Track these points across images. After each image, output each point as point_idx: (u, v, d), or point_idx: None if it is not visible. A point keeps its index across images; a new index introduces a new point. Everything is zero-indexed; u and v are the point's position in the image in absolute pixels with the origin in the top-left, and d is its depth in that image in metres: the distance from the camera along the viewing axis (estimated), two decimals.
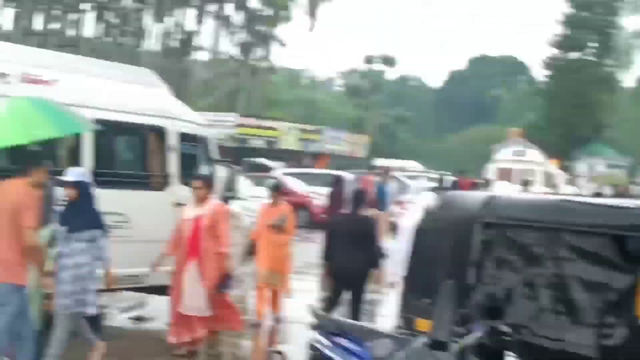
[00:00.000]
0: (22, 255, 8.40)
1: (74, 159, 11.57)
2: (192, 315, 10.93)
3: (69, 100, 11.48)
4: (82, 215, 9.32)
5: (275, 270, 12.99)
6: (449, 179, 30.05)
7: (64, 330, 9.20)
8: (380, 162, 47.28)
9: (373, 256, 11.66)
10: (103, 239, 9.52)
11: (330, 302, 12.06)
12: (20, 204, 8.36)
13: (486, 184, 23.96)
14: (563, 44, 68.27)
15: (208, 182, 11.36)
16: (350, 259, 11.47)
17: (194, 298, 10.90)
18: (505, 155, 43.89)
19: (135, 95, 12.75)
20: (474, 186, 22.61)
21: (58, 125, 9.40)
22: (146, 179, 12.95)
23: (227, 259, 11.19)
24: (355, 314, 11.80)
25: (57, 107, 9.79)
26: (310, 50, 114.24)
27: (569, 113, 64.82)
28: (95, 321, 10.08)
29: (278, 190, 13.65)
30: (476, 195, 9.15)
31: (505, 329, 5.71)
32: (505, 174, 35.05)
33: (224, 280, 11.57)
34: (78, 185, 9.30)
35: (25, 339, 8.63)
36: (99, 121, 11.78)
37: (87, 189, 9.48)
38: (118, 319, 13.61)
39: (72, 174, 9.40)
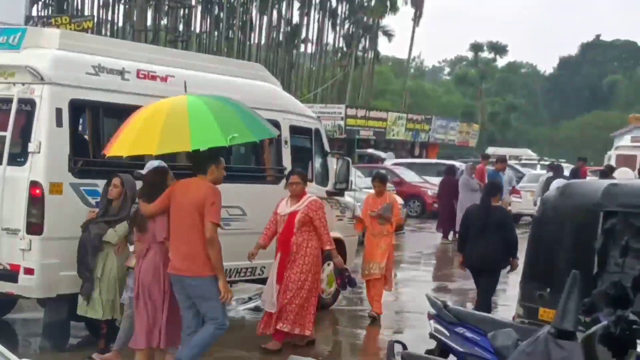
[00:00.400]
0: (206, 252, 8.58)
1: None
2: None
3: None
4: None
5: (377, 260, 12.83)
6: (565, 166, 29.50)
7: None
8: (492, 150, 46.74)
9: (510, 245, 11.52)
10: None
11: (481, 298, 12.07)
12: (205, 200, 8.54)
13: (610, 171, 23.40)
14: None
15: (304, 177, 11.24)
16: (484, 249, 11.36)
17: (268, 293, 10.90)
18: (626, 142, 42.96)
19: (248, 90, 12.75)
20: (605, 174, 22.18)
21: (253, 130, 9.33)
22: (261, 172, 13.04)
23: (335, 255, 11.10)
24: (485, 303, 11.77)
25: (250, 110, 9.78)
26: (417, 39, 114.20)
27: None
28: None
29: (382, 180, 13.51)
30: (596, 184, 9.06)
31: (633, 317, 5.61)
32: (627, 161, 34.20)
33: (343, 276, 11.49)
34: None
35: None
36: None
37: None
38: (237, 310, 13.73)
39: (151, 166, 9.38)
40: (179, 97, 9.40)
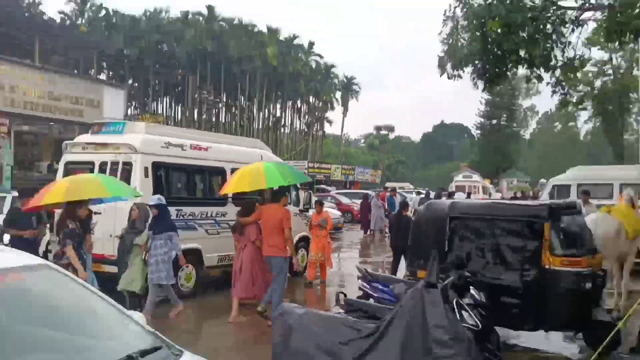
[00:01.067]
0: (285, 243, 8.80)
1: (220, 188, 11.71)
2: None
3: (218, 158, 11.68)
4: (161, 224, 9.00)
5: (320, 252, 12.52)
6: (429, 192, 29.66)
7: (154, 294, 9.03)
8: (389, 184, 46.89)
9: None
10: (174, 237, 9.07)
11: (393, 265, 12.22)
12: (282, 217, 8.80)
13: (452, 194, 23.63)
14: (486, 115, 67.35)
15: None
16: (399, 241, 11.43)
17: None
18: (459, 178, 43.78)
19: (253, 154, 12.78)
20: (450, 195, 22.39)
21: (297, 176, 9.80)
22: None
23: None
24: (394, 269, 11.95)
25: (295, 168, 10.31)
26: (346, 123, 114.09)
27: (493, 154, 64.21)
28: None
29: (321, 204, 13.25)
30: (446, 202, 9.15)
31: (467, 274, 5.70)
32: (461, 188, 34.79)
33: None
34: (157, 206, 9.04)
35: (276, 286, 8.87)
36: (235, 170, 11.90)
37: (164, 207, 9.12)
38: None
39: (153, 200, 9.12)
40: (259, 163, 9.91)
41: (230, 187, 9.25)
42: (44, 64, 34.47)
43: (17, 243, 8.79)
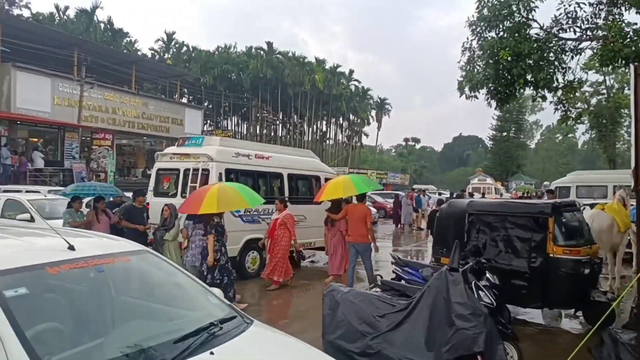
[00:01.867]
0: (367, 233, 9.13)
1: (281, 191, 11.84)
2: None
3: (277, 165, 11.80)
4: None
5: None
6: (452, 193, 29.21)
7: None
8: (417, 186, 46.38)
9: None
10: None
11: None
12: (366, 213, 9.21)
13: (471, 195, 23.23)
14: (497, 128, 65.70)
15: (283, 201, 10.18)
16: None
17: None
18: (475, 181, 43.09)
19: (305, 162, 12.88)
20: (470, 195, 21.97)
21: (374, 185, 10.14)
22: (312, 199, 13.06)
23: (295, 242, 10.10)
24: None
25: (370, 179, 10.74)
26: (380, 135, 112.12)
27: (504, 161, 62.70)
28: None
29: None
30: (464, 201, 9.04)
31: (483, 260, 5.61)
32: (476, 189, 34.15)
33: (299, 253, 11.50)
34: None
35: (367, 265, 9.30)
36: (290, 175, 12.04)
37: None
38: (305, 262, 13.36)
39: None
40: (348, 175, 10.25)
41: (326, 195, 9.37)
42: (138, 90, 35.55)
43: (131, 234, 9.04)
